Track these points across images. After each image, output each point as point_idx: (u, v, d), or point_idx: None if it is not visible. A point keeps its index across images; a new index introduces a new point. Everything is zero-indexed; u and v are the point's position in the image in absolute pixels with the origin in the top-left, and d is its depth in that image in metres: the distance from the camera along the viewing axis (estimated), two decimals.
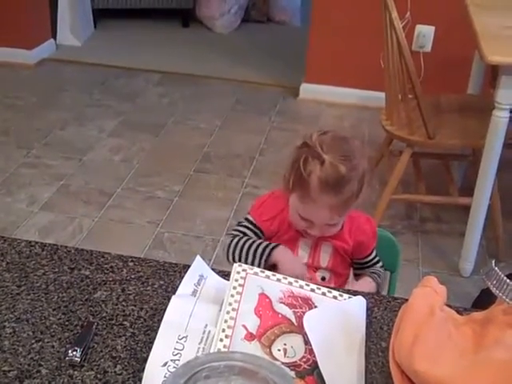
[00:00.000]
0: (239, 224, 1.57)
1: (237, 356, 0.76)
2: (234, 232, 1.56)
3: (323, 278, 1.56)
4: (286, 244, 1.54)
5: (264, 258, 1.47)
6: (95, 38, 4.89)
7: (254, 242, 1.51)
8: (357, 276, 1.65)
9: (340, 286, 1.58)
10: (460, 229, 2.75)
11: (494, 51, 2.25)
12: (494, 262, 0.93)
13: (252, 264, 1.44)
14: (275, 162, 3.32)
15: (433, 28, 3.78)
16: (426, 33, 3.79)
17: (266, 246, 1.49)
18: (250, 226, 1.55)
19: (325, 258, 1.55)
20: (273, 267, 1.47)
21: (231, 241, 1.53)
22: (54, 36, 4.59)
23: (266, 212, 1.55)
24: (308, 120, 3.81)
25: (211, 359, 0.74)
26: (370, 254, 1.62)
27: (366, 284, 1.56)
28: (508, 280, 0.89)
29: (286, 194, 1.51)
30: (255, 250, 1.49)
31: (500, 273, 0.89)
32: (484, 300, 0.94)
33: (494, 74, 2.83)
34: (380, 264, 1.63)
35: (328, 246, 1.55)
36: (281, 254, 1.48)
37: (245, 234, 1.54)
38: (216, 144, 3.52)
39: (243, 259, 1.49)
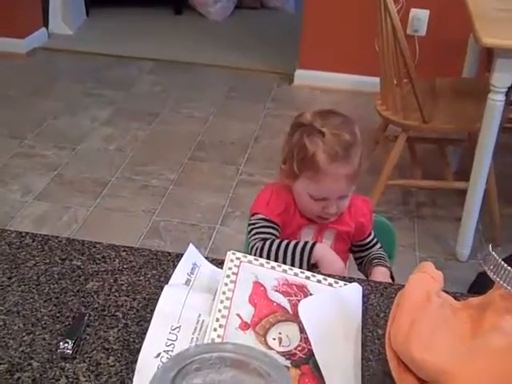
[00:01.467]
0: (255, 226, 1.51)
1: (228, 347, 0.74)
2: (257, 236, 1.49)
3: None
4: (289, 234, 1.53)
5: (306, 257, 1.44)
6: (87, 26, 4.85)
7: (288, 245, 1.46)
8: (358, 260, 1.65)
9: None
10: (456, 213, 2.74)
11: (489, 34, 2.24)
12: (490, 246, 0.91)
13: (292, 265, 1.36)
14: (270, 149, 3.30)
15: (427, 12, 3.76)
16: (420, 16, 3.77)
17: (305, 246, 1.46)
18: (267, 224, 1.50)
19: (327, 244, 1.54)
20: (312, 266, 1.45)
21: (263, 244, 1.46)
22: (46, 25, 4.55)
23: (276, 207, 1.51)
24: (303, 106, 3.78)
25: (202, 351, 0.72)
26: (369, 236, 1.62)
27: (383, 274, 1.53)
28: (506, 265, 0.87)
29: (289, 183, 1.50)
30: (293, 251, 1.45)
31: (497, 257, 0.88)
32: (481, 283, 0.93)
33: (489, 57, 2.81)
34: (379, 245, 1.63)
35: (330, 233, 1.55)
36: (321, 251, 1.46)
37: (269, 234, 1.49)
38: (210, 132, 3.50)
39: (281, 261, 1.43)
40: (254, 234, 1.50)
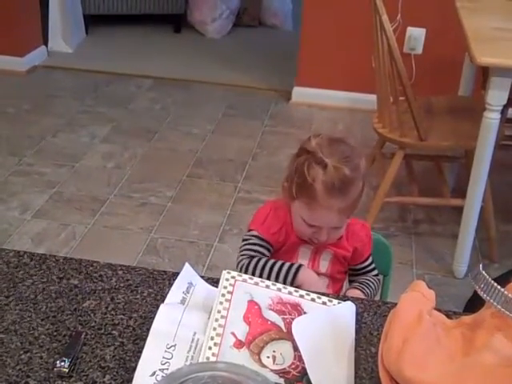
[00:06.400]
0: (247, 242, 1.52)
1: (220, 366, 0.75)
2: (246, 252, 1.51)
3: None
4: (287, 251, 1.53)
5: (289, 280, 1.45)
6: (87, 44, 4.88)
7: (274, 264, 1.47)
8: (350, 283, 1.65)
9: (337, 291, 1.58)
10: (453, 230, 2.75)
11: (484, 53, 2.26)
12: (481, 265, 0.92)
13: None
14: (268, 167, 3.32)
15: (424, 30, 3.79)
16: (416, 35, 3.80)
17: (289, 268, 1.47)
18: (259, 242, 1.51)
19: (324, 264, 1.55)
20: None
21: (249, 262, 1.48)
22: (46, 43, 4.58)
23: (272, 225, 1.52)
24: (300, 124, 3.81)
25: (195, 370, 0.73)
26: (365, 261, 1.61)
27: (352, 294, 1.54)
28: (495, 284, 0.88)
29: (287, 202, 1.50)
30: (278, 273, 1.46)
31: (487, 276, 0.89)
32: (477, 300, 0.94)
33: (484, 75, 2.84)
34: (374, 272, 1.62)
35: (328, 254, 1.55)
36: (305, 275, 1.47)
37: (257, 252, 1.50)
38: (208, 149, 3.52)
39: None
40: (244, 250, 1.52)
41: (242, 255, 1.51)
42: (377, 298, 1.64)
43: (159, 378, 0.92)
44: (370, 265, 1.61)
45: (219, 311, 1.01)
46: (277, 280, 1.44)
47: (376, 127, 2.75)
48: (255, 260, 1.48)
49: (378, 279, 1.62)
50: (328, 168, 1.39)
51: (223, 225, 2.88)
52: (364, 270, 1.61)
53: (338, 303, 1.10)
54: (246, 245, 1.52)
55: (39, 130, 3.62)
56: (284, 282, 1.44)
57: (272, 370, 0.95)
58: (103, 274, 1.19)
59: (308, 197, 1.43)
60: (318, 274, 1.54)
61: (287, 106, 4.10)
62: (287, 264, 1.48)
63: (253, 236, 1.52)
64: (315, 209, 1.43)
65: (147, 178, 3.22)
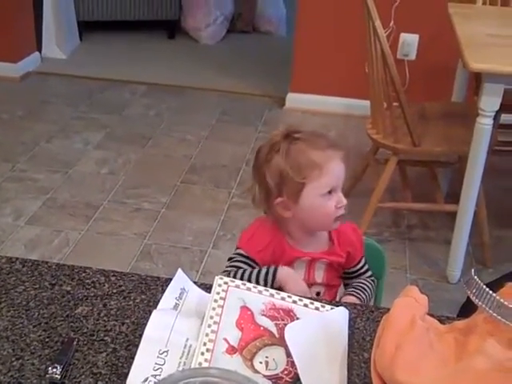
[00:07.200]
0: (232, 260, 1.51)
1: (213, 372, 0.75)
2: (228, 268, 1.49)
3: (318, 293, 1.55)
4: None
5: (269, 283, 1.44)
6: (81, 50, 4.88)
7: (252, 271, 1.46)
8: (345, 286, 1.65)
9: (333, 297, 1.58)
10: (447, 235, 2.76)
11: (477, 59, 2.27)
12: (473, 270, 0.93)
13: None
14: None
15: (417, 36, 3.81)
16: (410, 41, 3.82)
17: (268, 272, 1.46)
18: (243, 259, 1.49)
19: (319, 274, 1.55)
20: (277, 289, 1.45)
21: (227, 275, 1.43)
22: (39, 49, 4.58)
23: (258, 243, 1.50)
24: None
25: (187, 375, 0.73)
26: (358, 264, 1.61)
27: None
28: (488, 289, 0.89)
29: (290, 210, 1.48)
30: (257, 278, 1.44)
31: (480, 282, 0.89)
32: (471, 305, 0.94)
33: (477, 81, 2.85)
34: (369, 274, 1.62)
35: (322, 264, 1.54)
36: (284, 275, 1.46)
37: (240, 268, 1.48)
38: (202, 155, 3.52)
39: None
40: (226, 268, 1.50)
41: (224, 272, 1.49)
42: (370, 303, 1.64)
43: (151, 383, 0.92)
44: (363, 267, 1.61)
45: (212, 317, 1.01)
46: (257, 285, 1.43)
47: (370, 133, 2.76)
48: (233, 272, 1.46)
49: (373, 280, 1.62)
50: (306, 138, 1.46)
51: (217, 231, 2.88)
52: (358, 273, 1.61)
53: (331, 309, 1.10)
54: (229, 262, 1.51)
55: (33, 136, 3.62)
56: (265, 286, 1.42)
57: (264, 376, 0.95)
58: (96, 280, 1.18)
59: (314, 168, 1.43)
60: (314, 284, 1.54)
61: (281, 111, 4.10)
62: (264, 269, 1.46)
63: (237, 254, 1.51)
64: (327, 170, 1.44)
65: (141, 183, 3.22)
